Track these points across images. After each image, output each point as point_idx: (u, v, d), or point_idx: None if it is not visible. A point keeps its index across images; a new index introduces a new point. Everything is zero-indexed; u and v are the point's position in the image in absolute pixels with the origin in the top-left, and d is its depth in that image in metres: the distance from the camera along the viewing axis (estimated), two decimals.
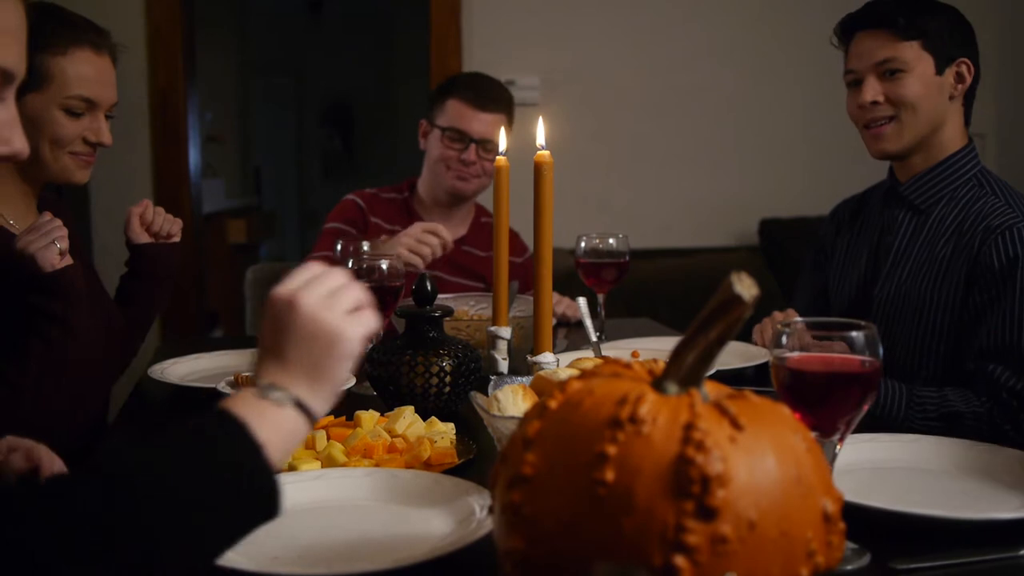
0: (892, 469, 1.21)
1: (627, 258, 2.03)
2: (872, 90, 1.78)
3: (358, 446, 1.22)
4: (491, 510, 0.78)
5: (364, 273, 1.66)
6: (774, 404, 0.75)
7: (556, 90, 3.79)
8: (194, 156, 4.00)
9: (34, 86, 1.59)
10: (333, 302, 0.84)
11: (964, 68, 1.77)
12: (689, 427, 0.69)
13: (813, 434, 0.92)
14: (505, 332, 1.51)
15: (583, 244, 2.04)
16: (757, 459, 0.69)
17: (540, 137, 1.36)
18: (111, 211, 3.83)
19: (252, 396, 0.80)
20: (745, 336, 1.85)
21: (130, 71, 3.64)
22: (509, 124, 2.46)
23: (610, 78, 3.84)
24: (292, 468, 1.18)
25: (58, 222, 1.54)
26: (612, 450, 0.68)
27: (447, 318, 1.54)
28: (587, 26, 3.82)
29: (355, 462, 1.19)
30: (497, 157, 1.50)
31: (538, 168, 1.33)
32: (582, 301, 1.65)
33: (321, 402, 0.83)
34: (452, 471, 1.19)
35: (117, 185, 3.68)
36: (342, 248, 1.96)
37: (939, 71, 1.76)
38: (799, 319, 0.95)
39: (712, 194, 3.93)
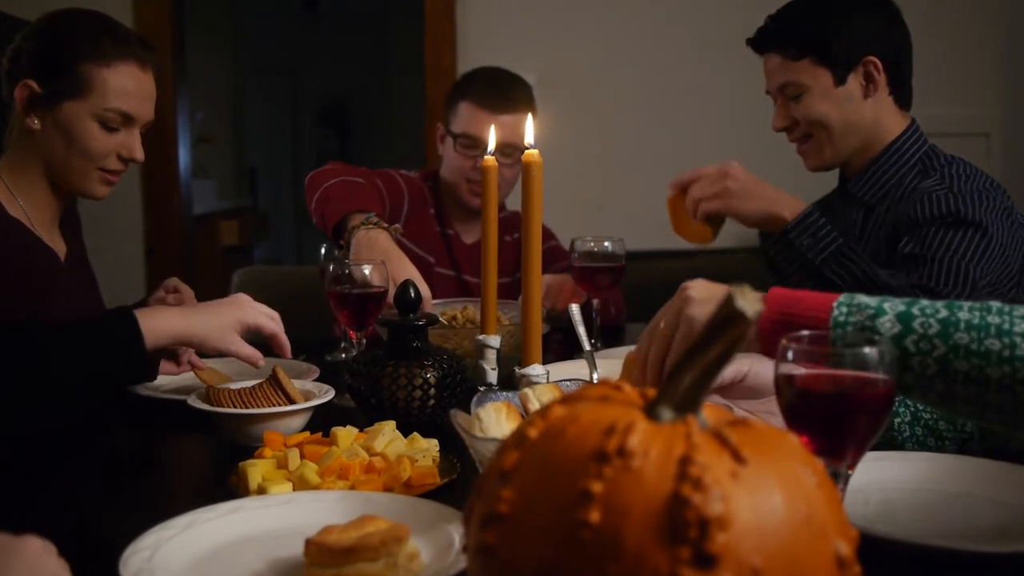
0: (905, 490, 1.12)
1: (623, 262, 1.95)
2: (780, 115, 1.79)
3: (333, 466, 1.14)
4: (465, 548, 0.70)
5: (345, 278, 1.58)
6: (780, 432, 0.67)
7: (553, 89, 3.71)
8: (184, 157, 3.94)
9: (73, 94, 1.56)
10: None
11: (871, 67, 1.72)
12: (685, 461, 0.61)
13: (821, 460, 0.84)
14: (494, 341, 1.43)
15: (577, 247, 1.96)
16: (762, 497, 0.61)
17: (529, 136, 1.28)
18: (100, 211, 3.71)
19: None
20: None
21: None
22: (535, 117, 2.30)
23: (608, 77, 3.76)
24: (262, 490, 1.10)
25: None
26: (598, 487, 0.60)
27: (433, 326, 1.47)
28: (584, 24, 3.74)
29: (329, 483, 1.11)
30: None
31: (527, 168, 1.25)
32: (575, 307, 1.58)
33: None
34: (434, 492, 1.12)
35: None
36: (326, 253, 1.88)
37: (840, 81, 1.73)
38: (805, 332, 0.87)
39: None
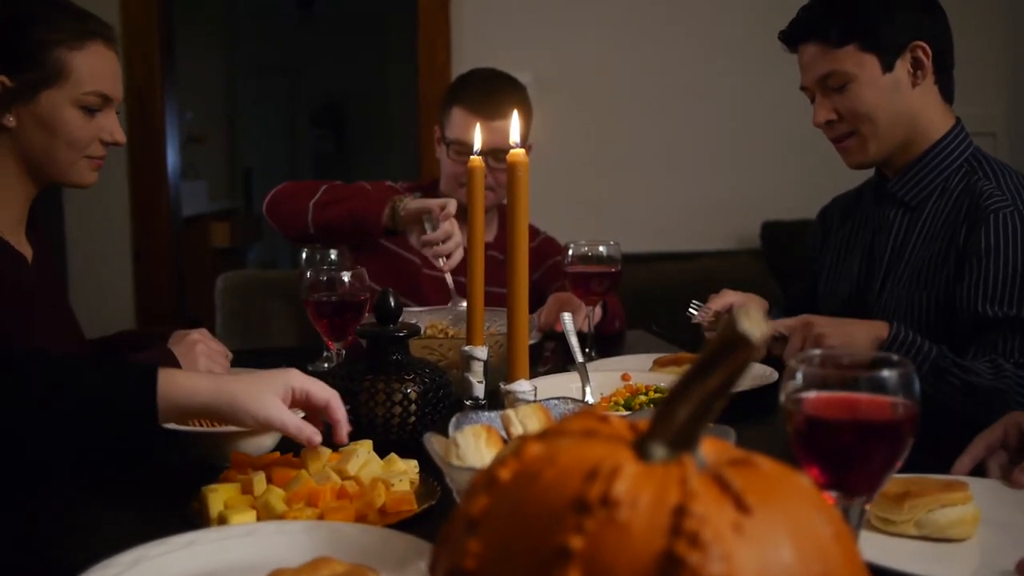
0: None
1: (619, 267, 1.86)
2: (822, 110, 1.66)
3: (301, 491, 1.05)
4: None
5: (324, 286, 1.49)
6: (790, 473, 0.58)
7: (549, 88, 3.62)
8: (172, 157, 3.85)
9: (49, 82, 1.49)
10: None
11: (920, 52, 1.62)
12: (680, 511, 0.52)
13: (834, 494, 0.75)
14: (481, 352, 1.34)
15: (571, 251, 1.87)
16: (770, 554, 0.52)
17: (515, 134, 1.19)
18: (85, 213, 3.67)
19: None
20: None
21: None
22: (527, 118, 2.23)
23: (606, 76, 3.68)
24: (223, 519, 1.01)
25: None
26: (577, 543, 0.51)
27: (415, 337, 1.38)
28: (581, 22, 3.66)
29: (296, 511, 1.03)
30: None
31: (512, 169, 1.16)
32: (567, 316, 1.49)
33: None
34: (411, 520, 1.03)
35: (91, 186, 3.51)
36: (307, 258, 1.80)
37: (888, 68, 1.61)
38: (817, 350, 0.78)
39: (712, 195, 3.77)
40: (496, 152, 2.15)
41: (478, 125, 2.10)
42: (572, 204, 3.60)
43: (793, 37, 1.70)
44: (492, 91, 2.20)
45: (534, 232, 2.38)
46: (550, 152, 3.57)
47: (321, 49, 7.90)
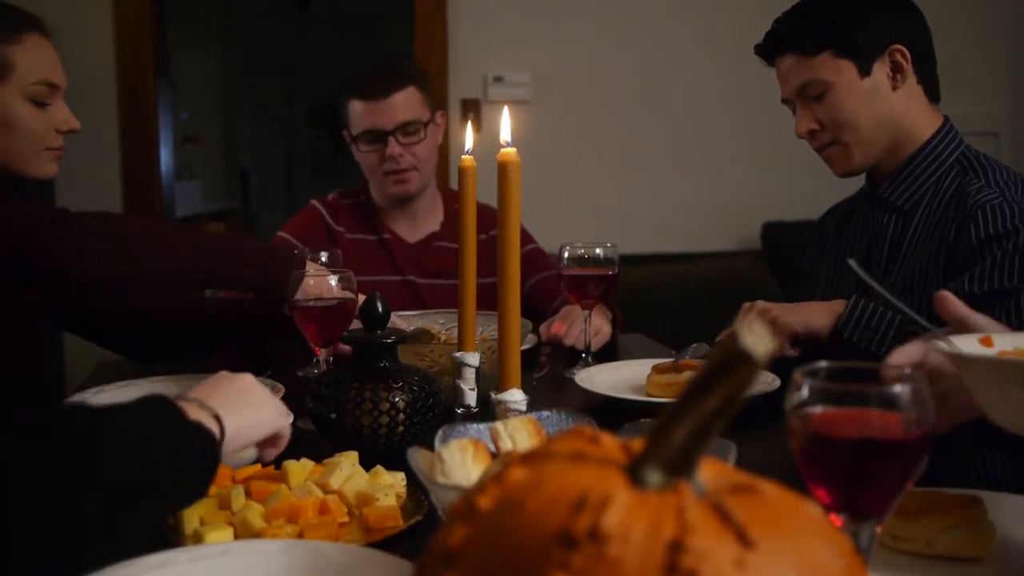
0: None
1: (616, 270, 1.81)
2: (804, 120, 1.64)
3: (281, 507, 1.00)
4: None
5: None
6: (798, 501, 0.54)
7: (548, 87, 3.58)
8: (166, 157, 3.80)
9: None
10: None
11: (898, 55, 1.59)
12: (676, 547, 0.47)
13: (842, 516, 0.70)
14: (472, 358, 1.30)
15: (567, 253, 1.82)
16: None
17: (505, 132, 1.14)
18: None
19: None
20: None
21: (97, 66, 3.44)
22: (425, 91, 2.23)
23: (605, 75, 3.64)
24: (198, 537, 0.97)
25: None
26: None
27: (404, 343, 1.33)
28: (579, 21, 3.61)
29: (276, 528, 0.98)
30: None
31: (503, 168, 1.11)
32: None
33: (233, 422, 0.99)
34: (397, 537, 0.98)
35: (84, 186, 3.48)
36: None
37: (865, 73, 1.59)
38: (823, 363, 0.73)
39: (712, 196, 3.72)
40: (405, 127, 2.17)
41: (374, 108, 2.12)
42: (571, 204, 3.56)
43: (769, 50, 1.68)
44: (379, 72, 2.22)
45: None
46: (548, 152, 3.54)
47: (318, 49, 7.84)
